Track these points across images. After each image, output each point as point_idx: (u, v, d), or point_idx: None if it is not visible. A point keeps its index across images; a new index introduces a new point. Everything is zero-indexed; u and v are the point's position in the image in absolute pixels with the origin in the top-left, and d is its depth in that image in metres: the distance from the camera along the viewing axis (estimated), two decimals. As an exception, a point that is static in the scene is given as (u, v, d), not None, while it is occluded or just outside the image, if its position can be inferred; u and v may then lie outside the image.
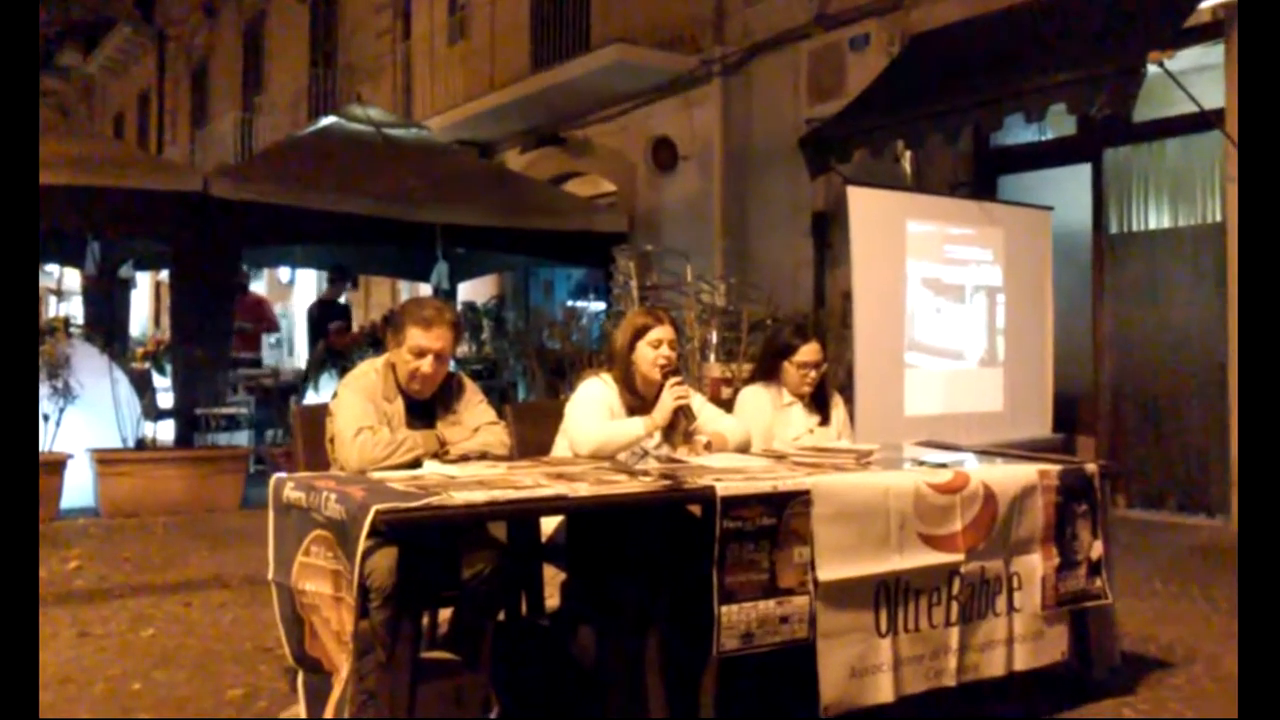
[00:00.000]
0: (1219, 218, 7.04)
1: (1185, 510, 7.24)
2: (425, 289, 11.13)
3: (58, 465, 6.98)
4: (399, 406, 3.30)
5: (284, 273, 17.95)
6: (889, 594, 3.07)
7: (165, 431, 8.62)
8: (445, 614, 3.33)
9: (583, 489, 2.81)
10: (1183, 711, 3.44)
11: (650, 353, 3.58)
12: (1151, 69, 5.94)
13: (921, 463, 3.48)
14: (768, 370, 4.19)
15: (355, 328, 10.66)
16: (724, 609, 2.79)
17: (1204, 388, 7.13)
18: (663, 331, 3.61)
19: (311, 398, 9.51)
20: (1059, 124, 7.83)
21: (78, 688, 3.57)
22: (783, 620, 2.87)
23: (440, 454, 3.25)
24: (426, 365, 3.28)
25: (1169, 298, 7.45)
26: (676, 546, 3.00)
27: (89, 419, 7.47)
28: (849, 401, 5.36)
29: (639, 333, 3.61)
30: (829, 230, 8.96)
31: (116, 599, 4.87)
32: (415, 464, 3.17)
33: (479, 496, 2.66)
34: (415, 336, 3.27)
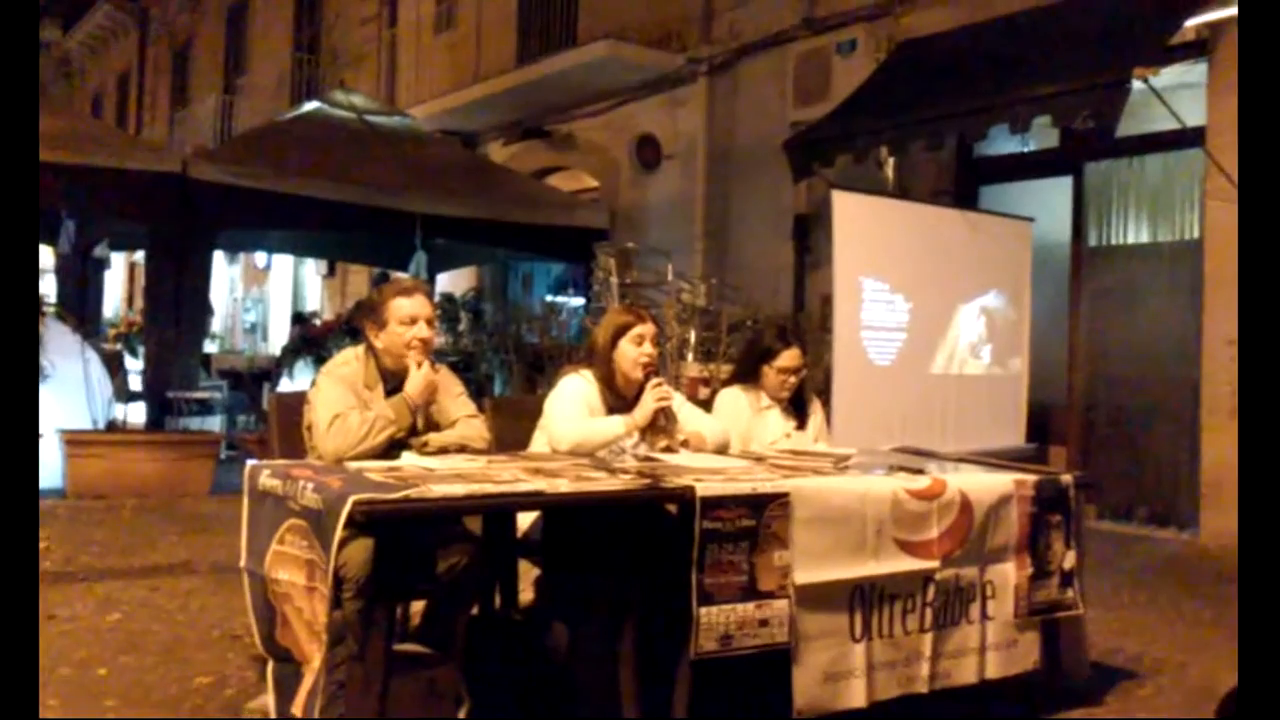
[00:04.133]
0: (1196, 234, 7.10)
1: (1154, 523, 7.28)
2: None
3: (26, 445, 6.89)
4: (379, 394, 3.28)
5: (260, 257, 17.87)
6: (864, 599, 3.06)
7: (136, 414, 8.55)
8: (417, 607, 3.31)
9: (562, 485, 2.79)
10: (1149, 723, 3.47)
11: (632, 350, 3.57)
12: (1135, 84, 5.98)
13: (899, 468, 3.49)
14: (747, 373, 4.18)
15: (332, 315, 10.60)
16: (703, 610, 2.77)
17: (1176, 402, 7.19)
18: (644, 329, 3.60)
19: (285, 385, 9.47)
20: (1042, 136, 7.88)
21: (42, 672, 3.51)
22: (762, 623, 2.85)
23: (418, 446, 3.22)
24: (422, 330, 3.28)
25: (1145, 311, 7.50)
26: (652, 544, 2.99)
27: (59, 399, 7.38)
28: (826, 406, 5.37)
29: (621, 330, 3.60)
30: (810, 233, 8.98)
31: (83, 582, 4.81)
32: (393, 453, 3.14)
33: (457, 490, 2.64)
34: (402, 307, 3.27)
